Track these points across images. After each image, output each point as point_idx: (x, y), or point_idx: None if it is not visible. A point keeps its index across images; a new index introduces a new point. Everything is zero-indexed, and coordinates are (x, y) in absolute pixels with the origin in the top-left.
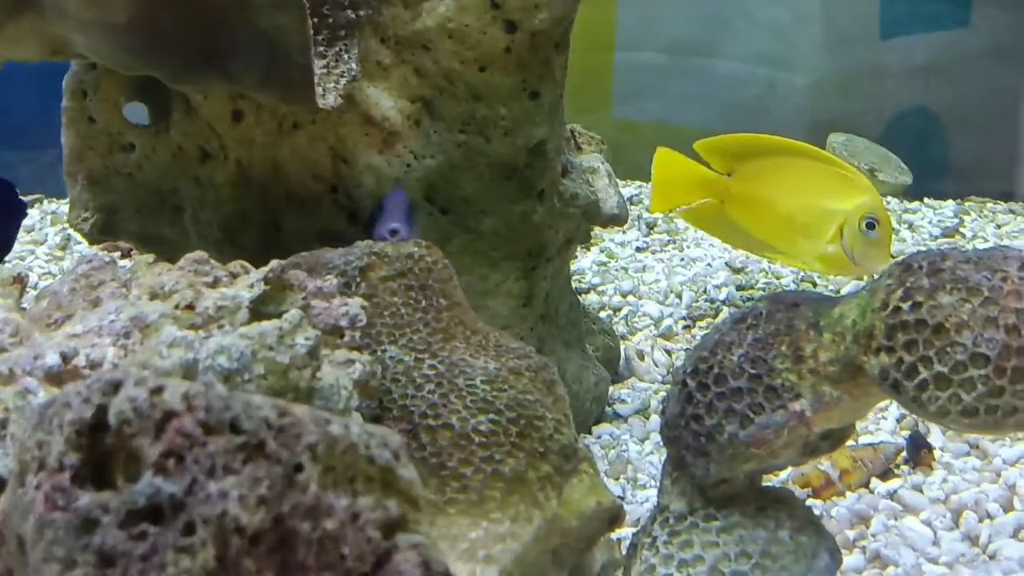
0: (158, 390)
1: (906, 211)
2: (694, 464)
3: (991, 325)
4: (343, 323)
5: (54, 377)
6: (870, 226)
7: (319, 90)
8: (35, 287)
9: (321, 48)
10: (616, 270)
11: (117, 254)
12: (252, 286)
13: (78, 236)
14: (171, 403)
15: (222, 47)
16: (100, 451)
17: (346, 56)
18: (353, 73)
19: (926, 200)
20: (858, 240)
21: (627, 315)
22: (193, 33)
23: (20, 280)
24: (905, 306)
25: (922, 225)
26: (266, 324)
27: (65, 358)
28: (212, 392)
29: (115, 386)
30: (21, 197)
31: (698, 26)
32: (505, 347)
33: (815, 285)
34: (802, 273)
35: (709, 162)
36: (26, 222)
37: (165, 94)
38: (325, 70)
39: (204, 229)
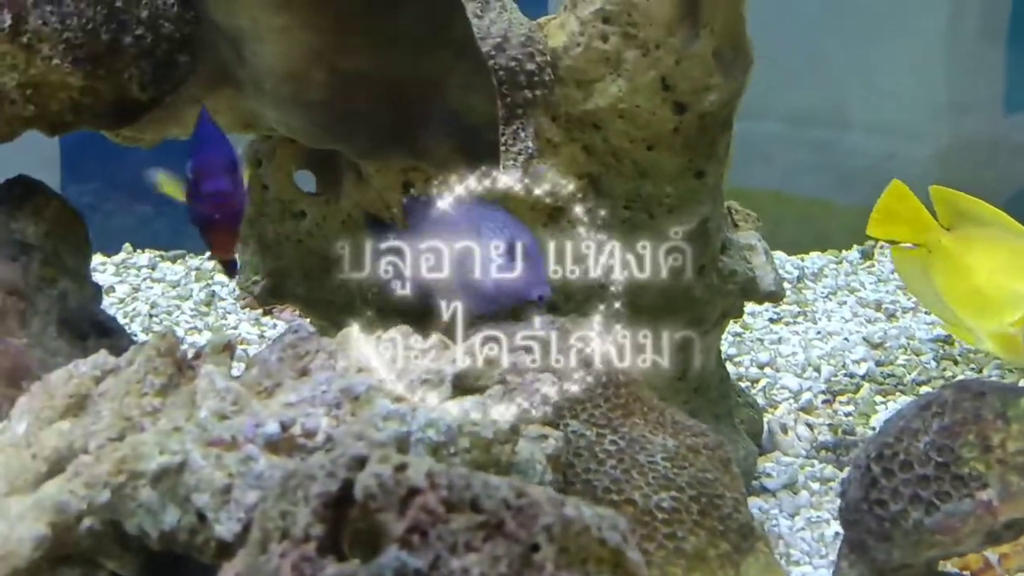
0: (402, 467)
1: None
2: (876, 548)
3: None
4: (536, 400)
5: (273, 445)
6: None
7: (502, 167)
8: (182, 342)
9: (501, 127)
10: (751, 341)
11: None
12: (455, 361)
13: (222, 292)
14: (415, 480)
15: (413, 126)
16: (342, 525)
17: (523, 134)
18: (530, 151)
19: None
20: (1010, 341)
21: (765, 387)
22: (386, 112)
23: (230, 347)
24: None
25: None
26: (471, 400)
27: (284, 427)
28: (454, 471)
29: (360, 462)
30: None
31: (821, 96)
32: (682, 424)
33: (956, 363)
34: (943, 351)
35: (937, 211)
36: (171, 277)
37: (337, 163)
38: (504, 148)
39: (370, 295)
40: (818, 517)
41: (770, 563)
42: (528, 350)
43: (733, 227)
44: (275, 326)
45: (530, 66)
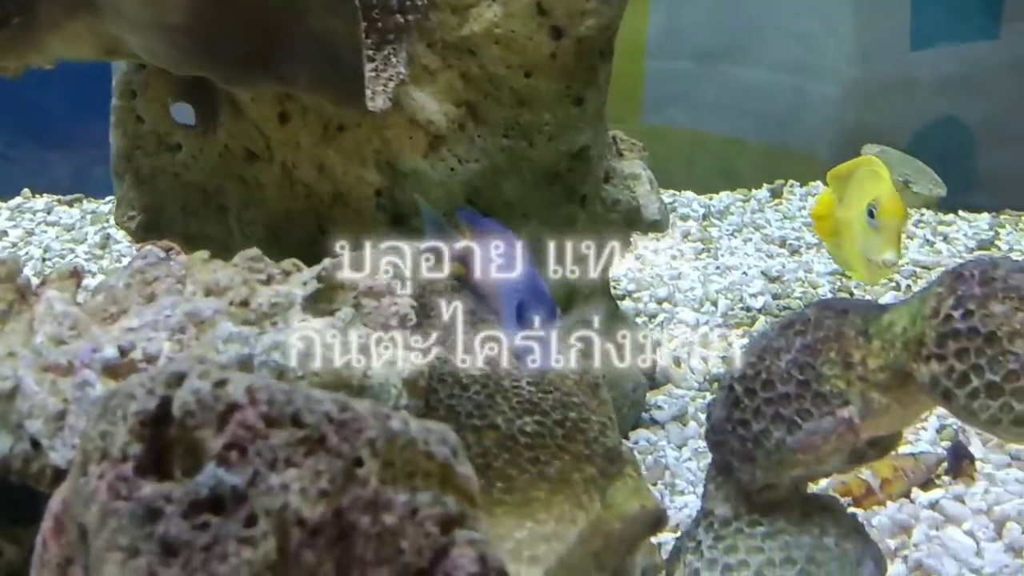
0: (222, 383)
1: (941, 223)
2: (740, 469)
3: None
4: (393, 322)
5: (112, 370)
6: (871, 214)
7: (369, 93)
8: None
9: (371, 52)
10: (651, 277)
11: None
12: (305, 284)
13: (118, 235)
14: (235, 396)
15: (275, 50)
16: (162, 442)
17: (394, 60)
18: (401, 76)
19: (960, 213)
20: (866, 232)
21: (663, 322)
22: (247, 36)
23: (77, 275)
24: (956, 314)
25: (957, 237)
26: (320, 321)
27: (123, 351)
28: (275, 386)
29: (179, 378)
30: None
31: (729, 35)
32: None
33: (852, 294)
34: (839, 283)
35: (834, 194)
36: (66, 221)
37: (212, 95)
38: (374, 73)
39: (249, 228)
40: (704, 448)
41: (638, 487)
42: (387, 273)
43: (618, 156)
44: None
45: None
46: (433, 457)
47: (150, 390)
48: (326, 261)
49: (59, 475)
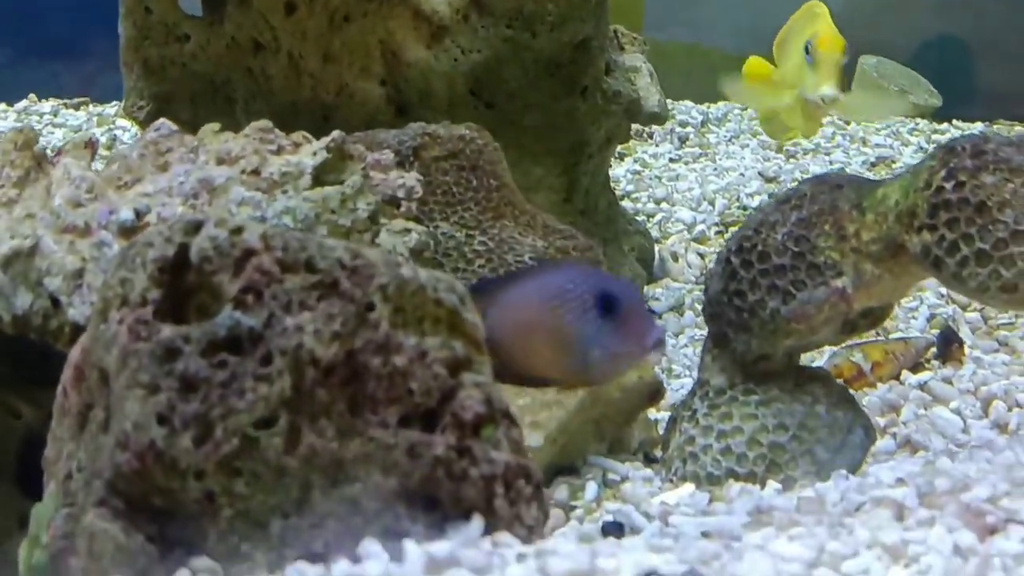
0: (238, 230)
1: (935, 131)
2: (735, 339)
3: None
4: (400, 194)
5: (127, 232)
6: (807, 51)
7: None
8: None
9: None
10: (650, 179)
11: None
12: (315, 154)
13: (124, 136)
14: (250, 242)
15: None
16: (180, 288)
17: None
18: None
19: (955, 122)
20: (803, 72)
21: (661, 221)
22: None
23: (91, 145)
24: (948, 185)
25: None
26: (329, 189)
27: (138, 214)
28: (289, 233)
29: (196, 226)
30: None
31: None
32: (552, 227)
33: None
34: None
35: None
36: (73, 123)
37: None
38: None
39: (255, 119)
40: (701, 335)
41: None
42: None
43: (619, 49)
44: None
45: None
46: (442, 303)
47: (168, 238)
48: (335, 133)
49: (77, 332)
